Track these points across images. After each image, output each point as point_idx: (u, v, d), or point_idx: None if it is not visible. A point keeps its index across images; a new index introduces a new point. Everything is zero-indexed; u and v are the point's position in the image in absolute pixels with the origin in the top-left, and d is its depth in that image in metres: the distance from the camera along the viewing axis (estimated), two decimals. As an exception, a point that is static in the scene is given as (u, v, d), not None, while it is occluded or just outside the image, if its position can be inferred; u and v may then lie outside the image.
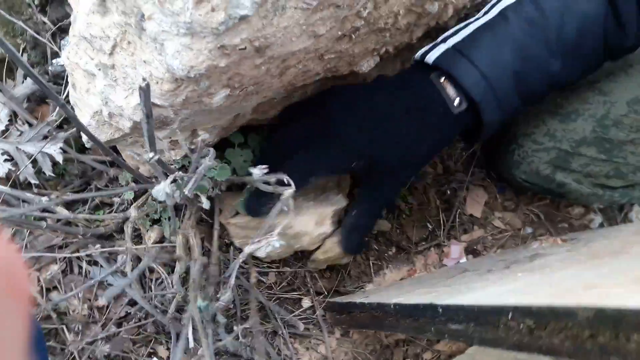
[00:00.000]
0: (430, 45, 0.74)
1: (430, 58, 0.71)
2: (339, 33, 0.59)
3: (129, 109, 0.57)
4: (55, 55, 0.82)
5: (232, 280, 0.58)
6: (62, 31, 0.84)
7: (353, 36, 0.62)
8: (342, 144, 0.69)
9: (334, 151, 0.70)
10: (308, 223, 0.74)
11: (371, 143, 0.69)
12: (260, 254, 0.62)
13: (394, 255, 0.95)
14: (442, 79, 0.70)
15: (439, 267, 0.97)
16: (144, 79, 0.43)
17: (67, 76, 0.81)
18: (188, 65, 0.48)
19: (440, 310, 0.51)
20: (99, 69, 0.57)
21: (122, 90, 0.57)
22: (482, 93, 0.67)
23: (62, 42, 0.83)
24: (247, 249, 0.57)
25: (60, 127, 0.79)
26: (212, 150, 0.60)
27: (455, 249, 0.99)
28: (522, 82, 0.70)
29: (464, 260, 0.99)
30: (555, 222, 1.11)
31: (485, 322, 0.44)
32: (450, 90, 0.69)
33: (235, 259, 0.76)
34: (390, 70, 0.91)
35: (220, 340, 0.68)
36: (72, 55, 0.60)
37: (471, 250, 1.01)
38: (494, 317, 0.43)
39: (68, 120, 0.79)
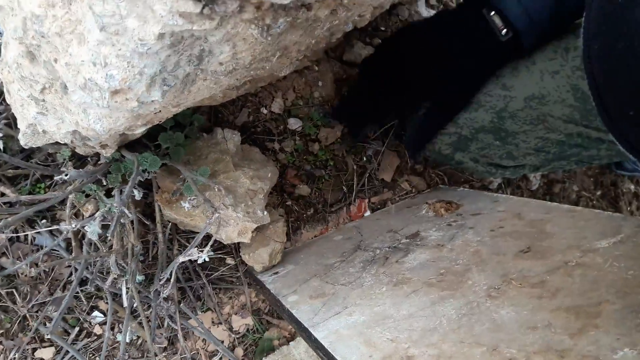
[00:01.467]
0: None
1: None
2: (252, 73, 0.66)
3: (60, 134, 0.65)
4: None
5: (173, 278, 0.71)
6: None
7: (267, 66, 0.70)
8: (415, 86, 0.93)
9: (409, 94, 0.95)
10: (232, 233, 0.86)
11: (439, 79, 0.91)
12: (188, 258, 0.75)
13: (311, 215, 1.09)
14: (492, 13, 0.86)
15: (348, 223, 1.13)
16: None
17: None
18: (108, 128, 0.57)
19: (313, 339, 0.70)
20: (31, 99, 0.63)
21: (53, 119, 0.64)
22: (523, 24, 0.84)
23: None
24: (181, 258, 0.70)
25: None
26: (136, 160, 0.70)
27: (360, 206, 1.15)
28: (558, 14, 0.85)
29: (367, 214, 1.15)
30: (459, 183, 1.27)
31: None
32: (499, 22, 0.85)
33: (164, 233, 0.89)
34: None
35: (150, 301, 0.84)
36: (5, 74, 0.65)
37: (378, 208, 1.17)
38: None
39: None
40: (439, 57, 0.90)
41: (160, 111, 0.57)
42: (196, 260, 0.96)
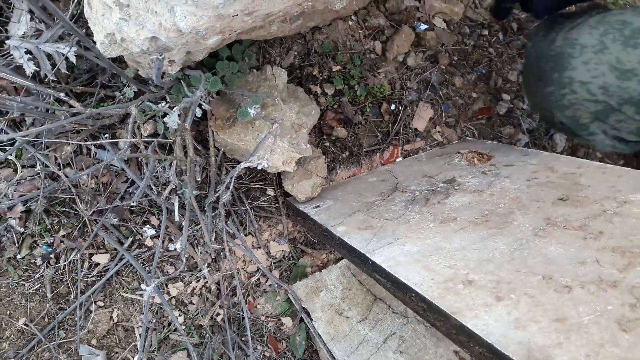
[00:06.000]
0: None
1: None
2: (315, -7, 0.72)
3: (139, 40, 0.71)
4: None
5: (230, 186, 0.78)
6: None
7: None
8: None
9: None
10: (277, 161, 0.92)
11: None
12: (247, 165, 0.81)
13: (346, 158, 1.15)
14: None
15: (380, 166, 1.19)
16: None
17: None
18: (192, 26, 0.62)
19: (370, 262, 0.75)
20: (116, 5, 0.69)
21: (134, 24, 0.70)
22: None
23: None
24: (243, 164, 0.76)
25: (75, 22, 0.90)
26: (203, 75, 0.76)
27: (393, 152, 1.20)
28: None
29: (399, 160, 1.21)
30: (487, 139, 1.31)
31: (398, 288, 0.69)
32: None
33: (216, 157, 0.96)
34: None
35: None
36: (89, -16, 0.72)
37: (409, 156, 1.22)
38: (403, 289, 0.67)
39: (80, 17, 0.91)
40: None
41: (237, 15, 0.63)
42: (240, 188, 1.03)
